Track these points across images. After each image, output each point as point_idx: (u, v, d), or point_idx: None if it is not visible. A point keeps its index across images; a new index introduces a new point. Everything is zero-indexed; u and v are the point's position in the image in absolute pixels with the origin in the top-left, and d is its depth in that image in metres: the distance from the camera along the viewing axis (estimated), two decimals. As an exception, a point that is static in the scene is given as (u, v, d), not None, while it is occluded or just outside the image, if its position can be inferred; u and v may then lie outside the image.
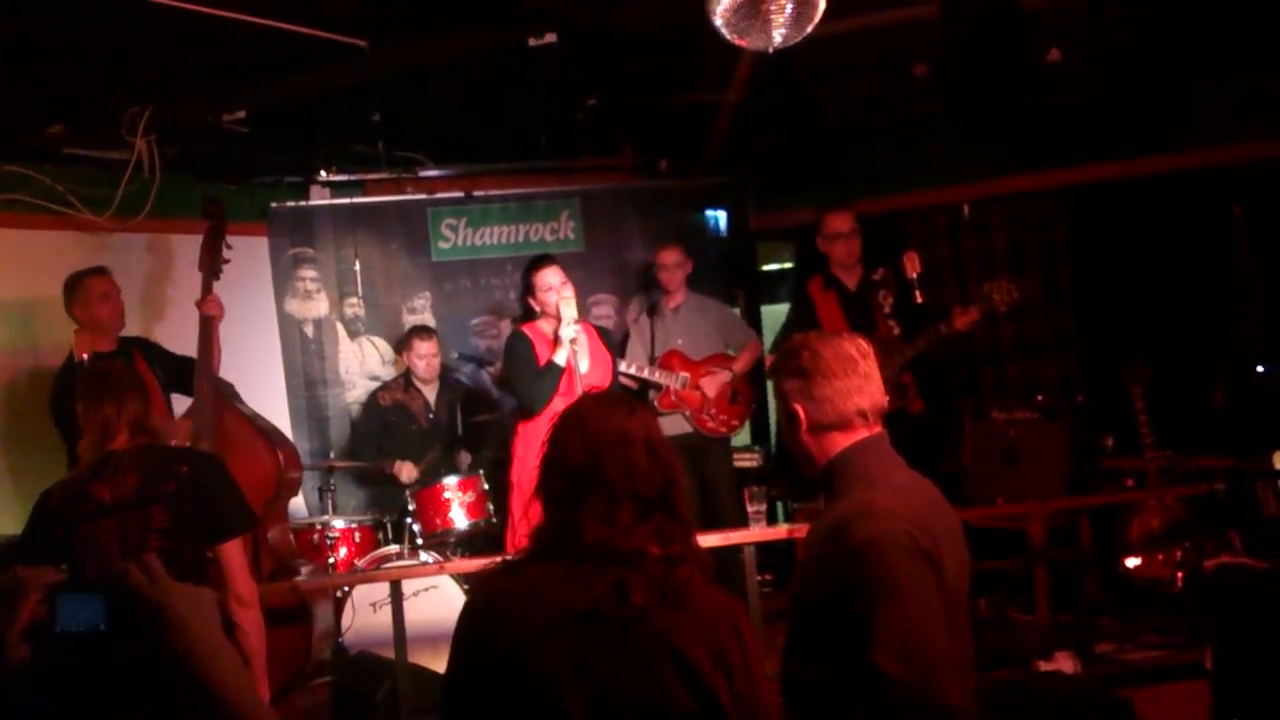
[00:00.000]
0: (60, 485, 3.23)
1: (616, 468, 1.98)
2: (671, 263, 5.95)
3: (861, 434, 2.24)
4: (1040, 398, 5.71)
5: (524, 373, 4.93)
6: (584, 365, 4.96)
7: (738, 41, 3.34)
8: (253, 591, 3.25)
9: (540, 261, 5.06)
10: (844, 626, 2.04)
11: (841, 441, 2.24)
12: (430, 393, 5.87)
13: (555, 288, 4.88)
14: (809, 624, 2.19)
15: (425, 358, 5.82)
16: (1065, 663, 4.32)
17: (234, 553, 3.23)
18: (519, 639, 1.92)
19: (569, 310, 4.78)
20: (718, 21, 3.27)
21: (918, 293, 5.36)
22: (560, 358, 4.79)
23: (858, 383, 2.23)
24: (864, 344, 2.29)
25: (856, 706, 2.02)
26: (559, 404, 4.74)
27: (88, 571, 3.04)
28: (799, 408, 2.25)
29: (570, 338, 4.77)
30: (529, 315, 5.10)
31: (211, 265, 4.86)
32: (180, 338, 5.04)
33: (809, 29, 3.25)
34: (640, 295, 6.49)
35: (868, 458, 2.23)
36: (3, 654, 2.60)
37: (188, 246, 4.99)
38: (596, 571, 1.93)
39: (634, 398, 2.15)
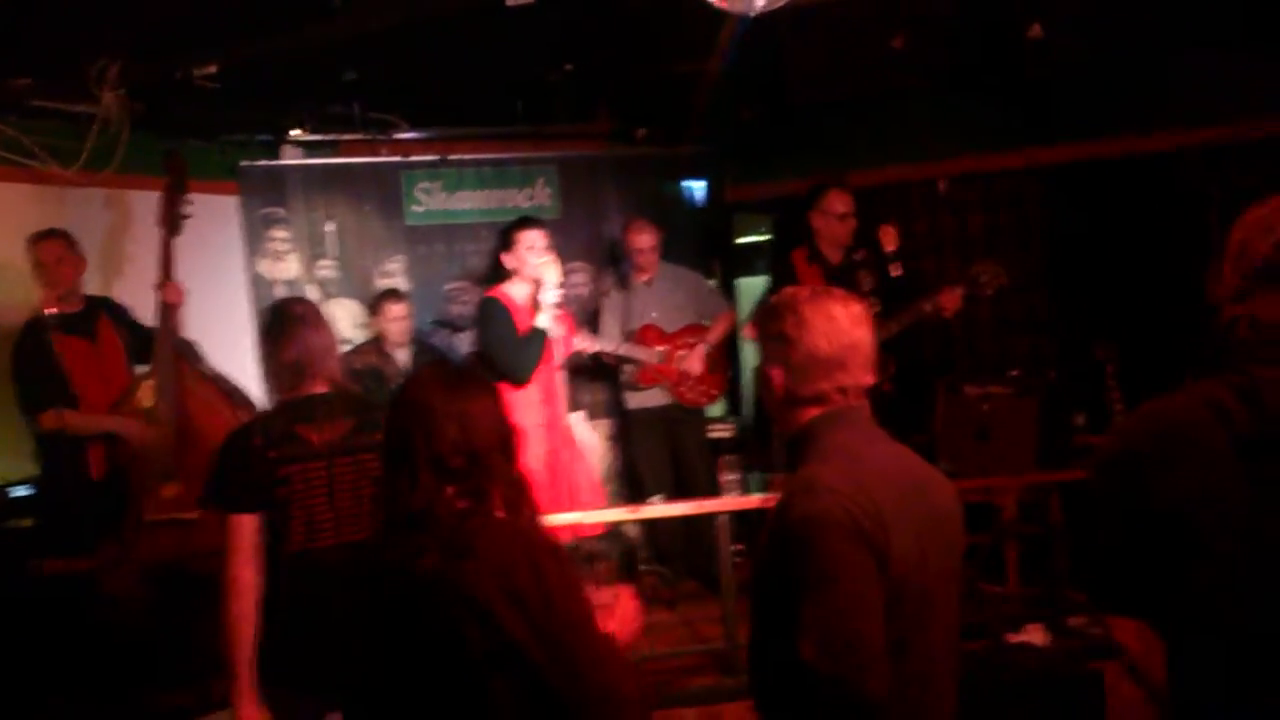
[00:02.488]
0: (257, 425, 3.13)
1: (419, 438, 2.17)
2: (648, 246, 5.84)
3: (836, 405, 2.14)
4: (1014, 373, 5.72)
5: (506, 341, 4.84)
6: (558, 332, 4.94)
7: (719, 4, 3.29)
8: None
9: (527, 222, 5.01)
10: (784, 605, 1.97)
11: (813, 412, 2.15)
12: (403, 357, 5.80)
13: (538, 249, 4.81)
14: (766, 599, 2.13)
15: (396, 320, 5.73)
16: (1036, 635, 4.33)
17: None
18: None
19: (551, 275, 4.71)
20: (703, -20, 3.22)
21: (892, 266, 5.35)
22: (543, 322, 4.73)
23: (843, 357, 2.12)
24: (858, 309, 2.17)
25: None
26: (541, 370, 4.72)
27: (292, 512, 3.01)
28: (775, 374, 2.15)
29: (553, 302, 4.71)
30: (498, 276, 5.02)
31: (171, 221, 4.74)
32: (139, 295, 4.92)
33: (795, -8, 3.20)
34: (611, 268, 6.43)
35: (836, 428, 2.13)
36: None
37: (149, 202, 4.86)
38: (402, 537, 2.14)
39: (466, 369, 2.35)
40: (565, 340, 5.03)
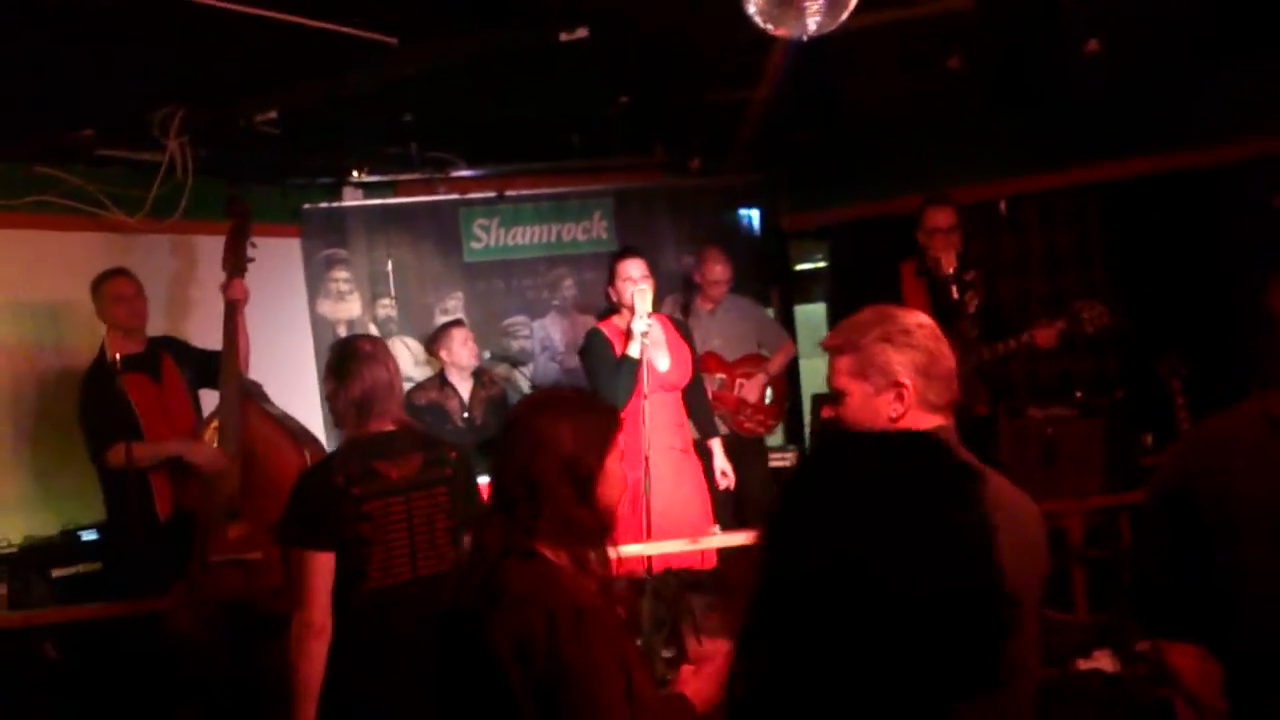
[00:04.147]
0: (337, 462, 3.13)
1: (493, 464, 2.23)
2: (724, 278, 5.88)
3: (938, 421, 2.12)
4: (1079, 394, 5.63)
5: (604, 369, 4.86)
6: (663, 363, 4.92)
7: (771, 30, 3.29)
8: None
9: (625, 252, 5.03)
10: None
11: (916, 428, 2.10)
12: (465, 391, 5.85)
13: (633, 279, 4.82)
14: None
15: (466, 344, 5.76)
16: (1104, 661, 4.25)
17: None
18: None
19: (642, 304, 4.70)
20: (751, 9, 3.22)
21: (954, 288, 5.28)
22: (634, 350, 4.72)
23: (928, 371, 2.12)
24: (932, 323, 2.17)
25: None
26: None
27: (373, 549, 3.03)
28: (910, 382, 2.10)
29: (642, 331, 4.70)
30: (610, 309, 5.06)
31: (235, 264, 4.83)
32: (206, 338, 5.04)
33: (844, 16, 3.19)
34: (672, 295, 6.44)
35: None
36: None
37: (213, 247, 4.96)
38: (461, 568, 2.23)
39: (551, 397, 2.34)
40: (678, 364, 5.00)
